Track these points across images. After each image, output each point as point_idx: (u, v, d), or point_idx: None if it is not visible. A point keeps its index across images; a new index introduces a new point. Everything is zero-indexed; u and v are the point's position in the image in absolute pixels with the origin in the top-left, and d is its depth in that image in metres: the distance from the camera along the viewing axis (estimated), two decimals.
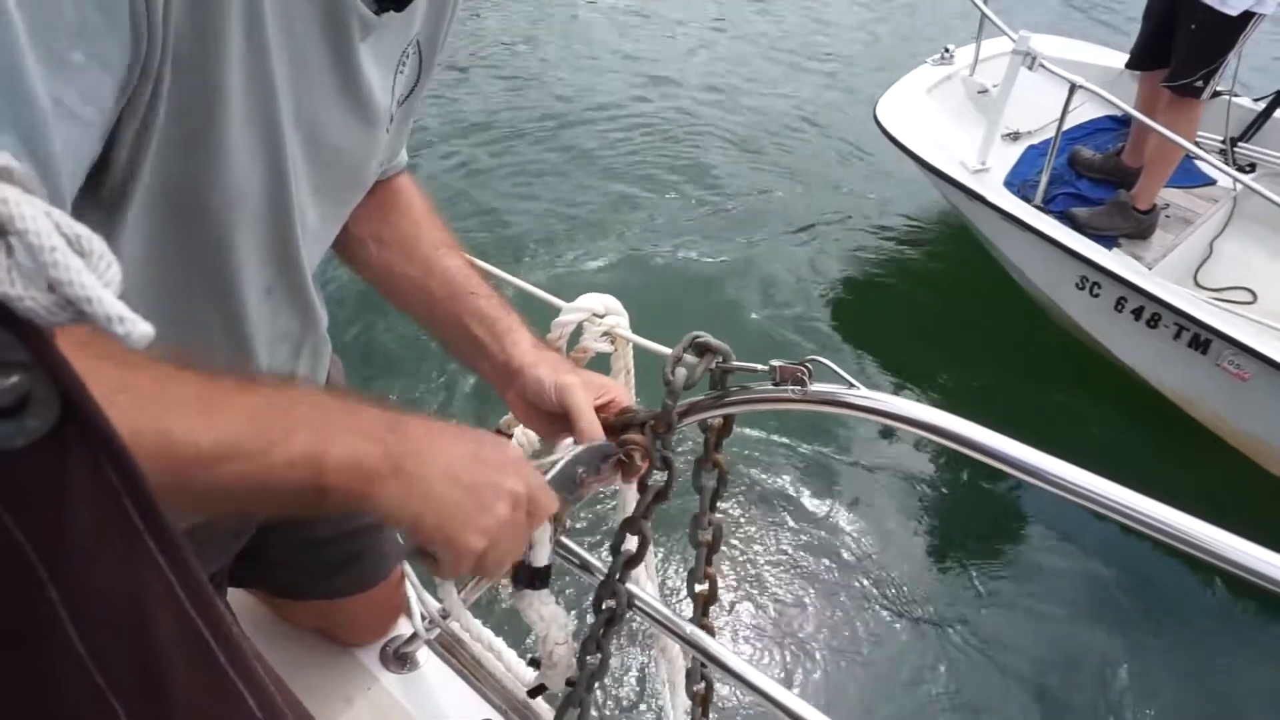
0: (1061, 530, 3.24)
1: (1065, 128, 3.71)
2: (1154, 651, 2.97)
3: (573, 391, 0.88)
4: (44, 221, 0.26)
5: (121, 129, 0.58)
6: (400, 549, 0.84)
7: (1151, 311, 3.47)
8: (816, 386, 0.87)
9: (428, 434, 0.69)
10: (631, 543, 0.97)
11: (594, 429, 0.88)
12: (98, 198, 0.60)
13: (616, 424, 0.92)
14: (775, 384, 0.88)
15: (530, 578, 0.91)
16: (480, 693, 1.37)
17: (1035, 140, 4.32)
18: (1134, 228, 3.86)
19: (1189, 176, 4.16)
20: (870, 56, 7.42)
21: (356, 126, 0.81)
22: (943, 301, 4.54)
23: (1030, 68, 3.52)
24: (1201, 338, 3.36)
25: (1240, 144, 4.16)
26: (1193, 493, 3.66)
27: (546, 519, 0.79)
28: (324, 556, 1.23)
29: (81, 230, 0.27)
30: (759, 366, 0.89)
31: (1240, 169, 4.04)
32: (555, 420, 0.91)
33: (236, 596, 1.38)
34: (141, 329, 0.26)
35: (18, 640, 0.29)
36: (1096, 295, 3.63)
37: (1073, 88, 3.46)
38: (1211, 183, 4.17)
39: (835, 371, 0.86)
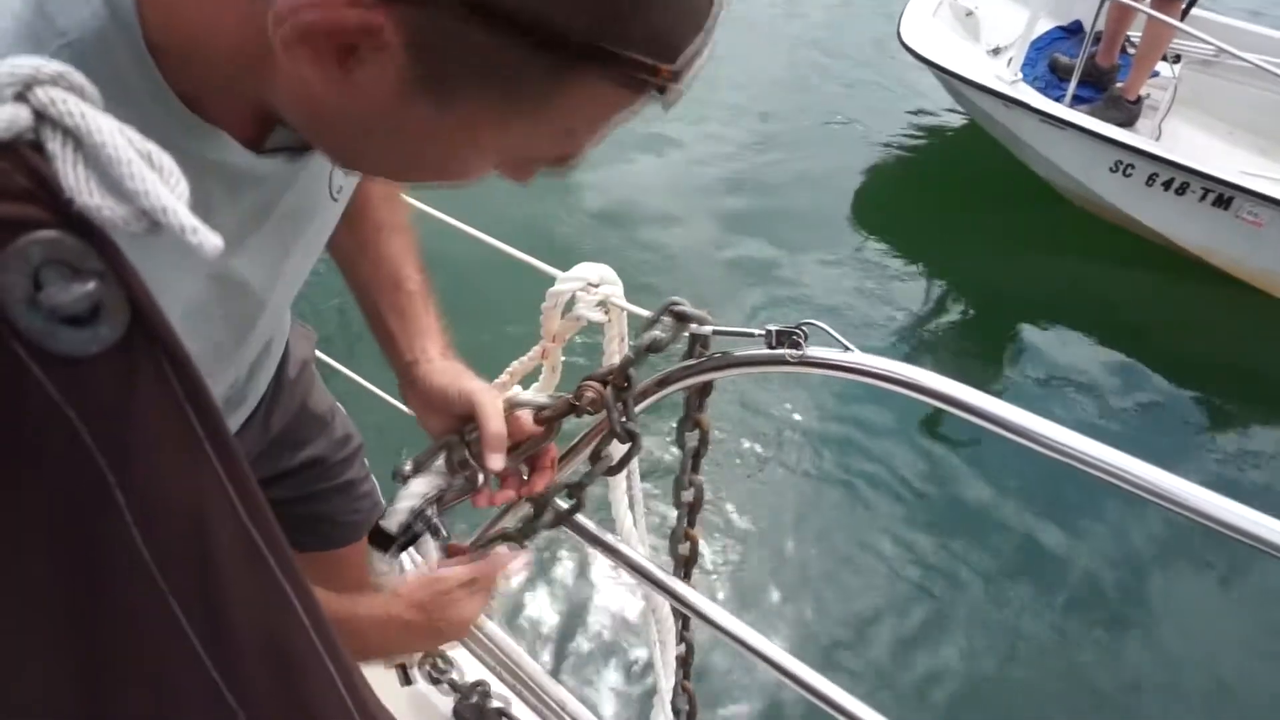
0: (1052, 492, 3.23)
1: (1031, 39, 4.46)
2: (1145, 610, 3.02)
3: (478, 394, 0.90)
4: (119, 136, 0.27)
5: None
6: None
7: (1181, 181, 4.17)
8: (811, 350, 0.89)
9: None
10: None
11: (499, 427, 0.89)
12: None
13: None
14: (770, 348, 0.90)
15: (377, 538, 0.91)
16: None
17: (1013, 53, 4.83)
18: (1125, 117, 4.50)
19: None
20: None
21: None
22: (961, 197, 5.02)
23: None
24: (1225, 196, 4.08)
25: None
26: (1209, 325, 4.24)
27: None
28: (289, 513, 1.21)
29: (152, 147, 0.28)
30: (755, 331, 0.91)
31: (1174, 60, 4.78)
32: (460, 423, 0.93)
33: None
34: (212, 241, 0.28)
35: (85, 542, 0.31)
36: (1129, 175, 4.31)
37: (1112, 4, 4.24)
38: (1158, 74, 4.80)
39: (830, 334, 0.88)
